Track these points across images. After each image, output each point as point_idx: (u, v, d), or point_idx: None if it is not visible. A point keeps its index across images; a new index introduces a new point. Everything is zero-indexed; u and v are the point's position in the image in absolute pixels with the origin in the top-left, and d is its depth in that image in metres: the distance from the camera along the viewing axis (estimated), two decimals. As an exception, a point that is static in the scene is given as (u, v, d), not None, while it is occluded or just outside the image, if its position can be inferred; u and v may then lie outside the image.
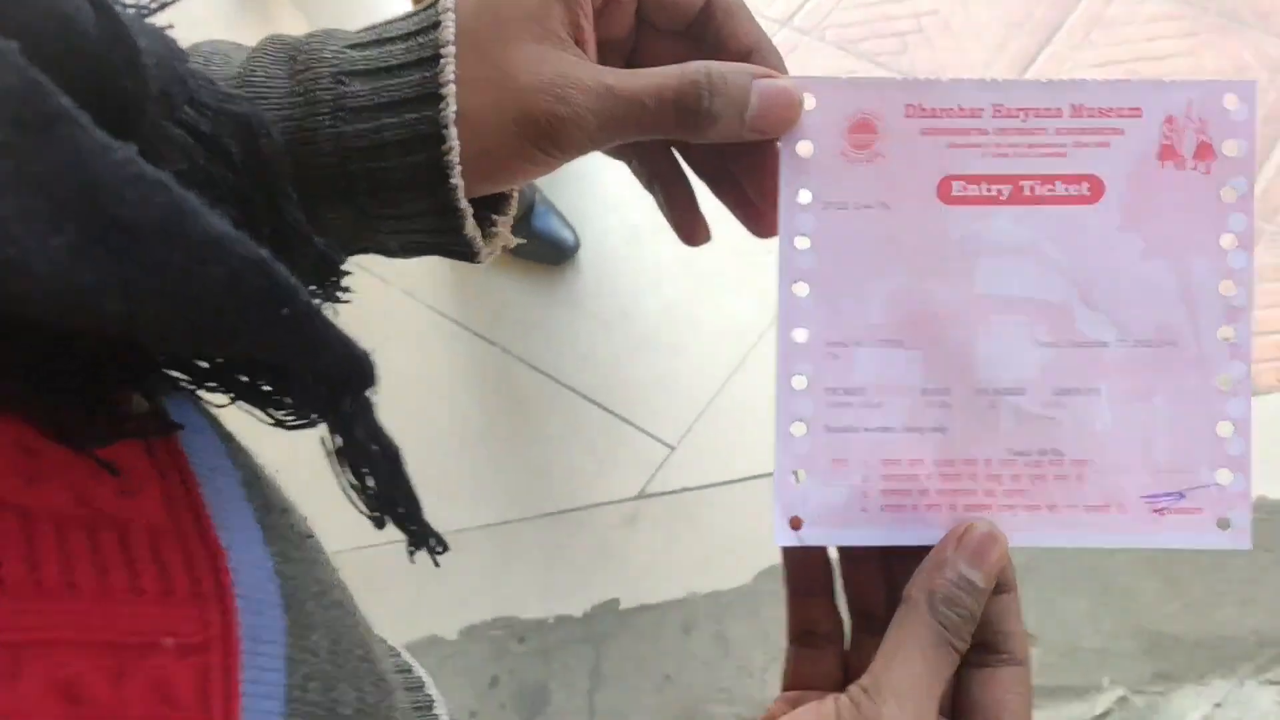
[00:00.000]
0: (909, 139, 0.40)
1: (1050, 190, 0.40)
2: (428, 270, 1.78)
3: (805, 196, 0.40)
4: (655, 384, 1.69)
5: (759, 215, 0.42)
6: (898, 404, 0.40)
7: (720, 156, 0.42)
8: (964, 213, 0.40)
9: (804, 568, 0.43)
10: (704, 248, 0.45)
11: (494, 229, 0.40)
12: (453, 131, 0.35)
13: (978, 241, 0.40)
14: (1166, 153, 0.40)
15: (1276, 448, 1.46)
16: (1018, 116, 0.40)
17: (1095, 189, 0.40)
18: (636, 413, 1.65)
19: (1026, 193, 0.40)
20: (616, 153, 0.42)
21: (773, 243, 0.41)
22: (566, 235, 1.84)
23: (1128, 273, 0.40)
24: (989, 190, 0.40)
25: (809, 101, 0.40)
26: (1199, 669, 1.34)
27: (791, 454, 0.40)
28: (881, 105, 0.40)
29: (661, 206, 0.44)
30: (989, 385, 0.40)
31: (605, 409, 1.62)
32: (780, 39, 1.97)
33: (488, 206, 0.40)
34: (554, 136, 0.36)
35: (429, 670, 0.43)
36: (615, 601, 1.49)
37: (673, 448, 1.62)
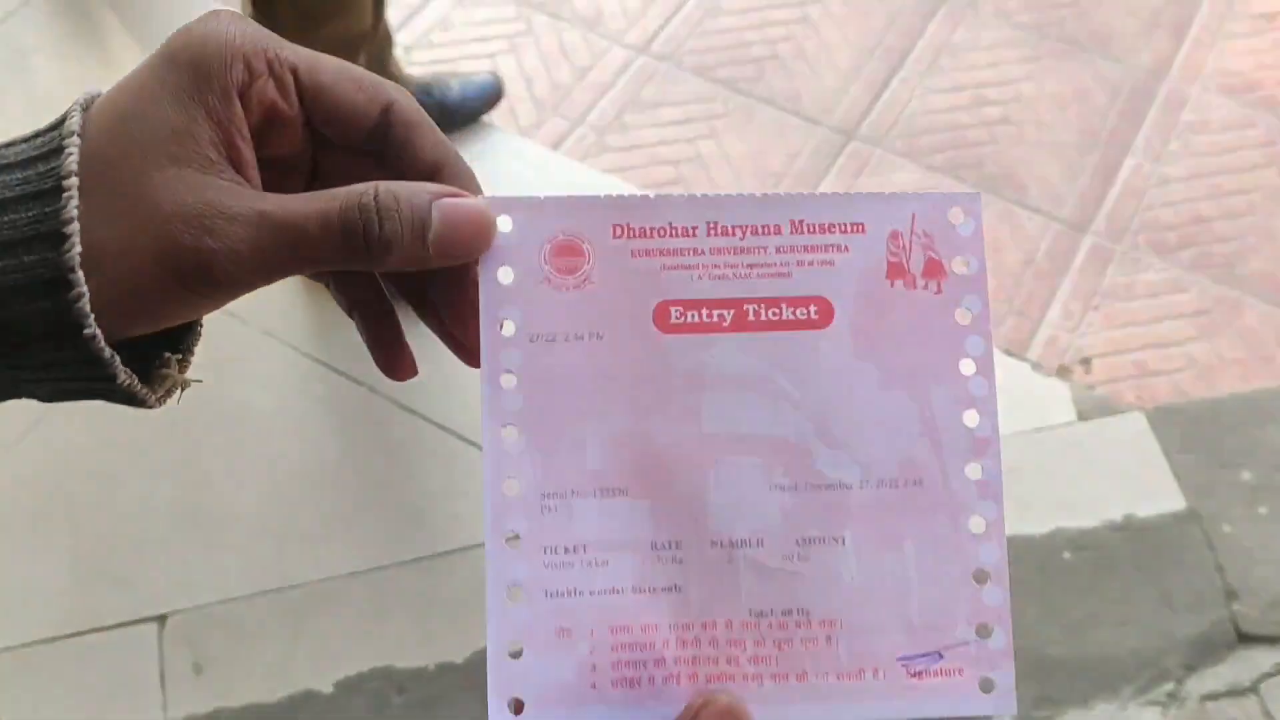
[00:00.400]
0: (619, 261, 0.37)
1: (776, 314, 0.37)
2: (288, 307, 1.69)
3: (509, 329, 0.36)
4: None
5: (466, 347, 0.38)
6: (625, 562, 0.36)
7: (421, 282, 0.38)
8: (684, 342, 0.36)
9: None
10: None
11: (163, 370, 0.35)
12: (79, 275, 0.30)
13: (702, 373, 0.36)
14: (894, 270, 0.37)
15: (1137, 467, 1.46)
16: (734, 234, 0.37)
17: (824, 312, 0.37)
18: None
19: (751, 317, 0.37)
20: (312, 277, 0.38)
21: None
22: None
23: (866, 405, 0.37)
24: (710, 316, 0.37)
25: (504, 223, 0.36)
26: (1082, 692, 1.30)
27: (507, 626, 0.35)
28: (585, 225, 0.37)
29: (362, 335, 0.39)
30: (724, 536, 0.36)
31: (480, 449, 1.52)
32: (639, 65, 1.95)
33: (165, 339, 0.35)
34: (204, 273, 0.32)
35: None
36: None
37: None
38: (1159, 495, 1.48)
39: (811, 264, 0.37)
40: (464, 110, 1.80)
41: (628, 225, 0.37)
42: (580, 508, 0.36)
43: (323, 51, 0.35)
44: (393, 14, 1.75)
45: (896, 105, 1.92)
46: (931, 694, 0.36)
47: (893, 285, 0.37)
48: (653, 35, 2.01)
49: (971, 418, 0.37)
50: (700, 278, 0.37)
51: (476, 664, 1.40)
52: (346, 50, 1.39)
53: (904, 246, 0.38)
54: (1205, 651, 1.37)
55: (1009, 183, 1.82)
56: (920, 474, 0.37)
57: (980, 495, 0.37)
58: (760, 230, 0.37)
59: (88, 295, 0.30)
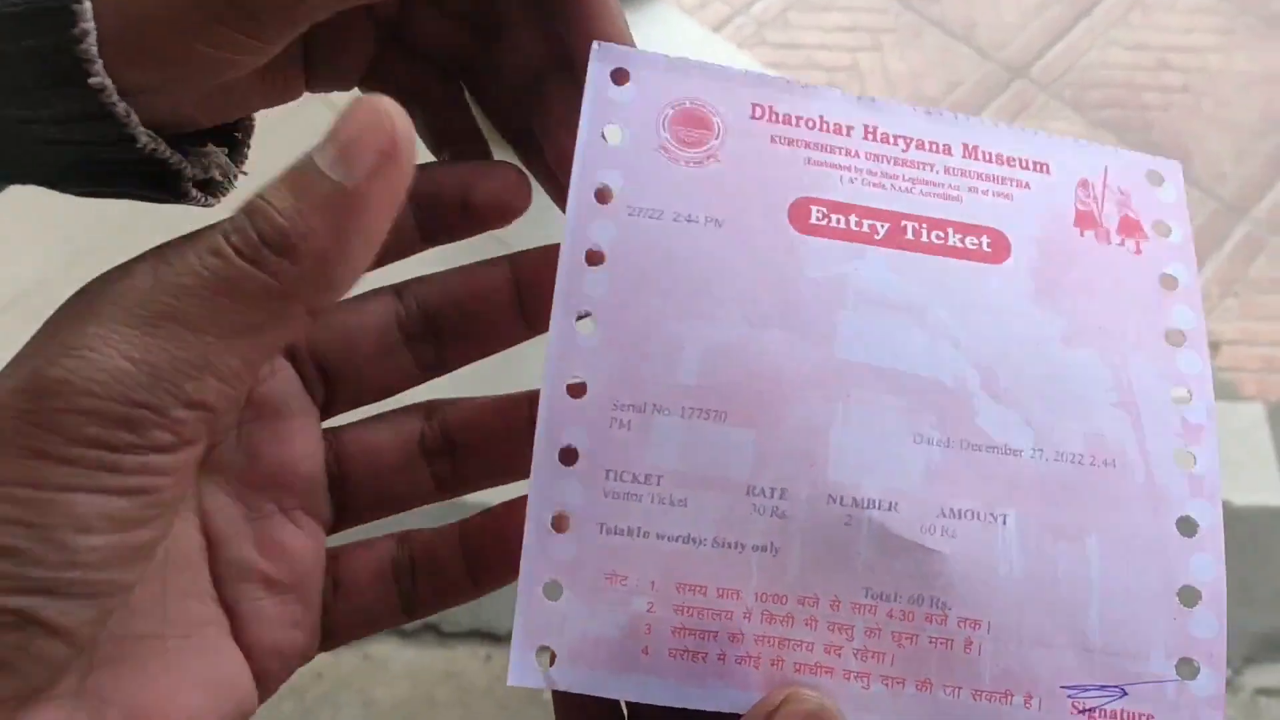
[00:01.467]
0: (754, 144, 0.30)
1: (941, 238, 0.29)
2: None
3: (608, 195, 0.29)
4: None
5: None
6: (710, 504, 0.27)
7: (524, 116, 0.32)
8: (826, 247, 0.29)
9: (578, 707, 0.29)
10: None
11: (203, 150, 0.29)
12: (87, 7, 0.25)
13: (842, 287, 0.29)
14: (1084, 219, 0.30)
15: (1245, 456, 1.31)
16: (895, 144, 0.30)
17: (999, 246, 0.29)
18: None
19: (909, 235, 0.29)
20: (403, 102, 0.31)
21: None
22: None
23: (1046, 359, 0.28)
24: (859, 225, 0.29)
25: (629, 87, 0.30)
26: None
27: (546, 558, 0.27)
28: (720, 97, 0.30)
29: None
30: (846, 491, 0.27)
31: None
32: None
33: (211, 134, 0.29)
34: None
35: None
36: None
37: None
38: (1261, 488, 1.41)
39: (985, 193, 0.30)
40: None
41: (771, 108, 0.30)
42: (661, 428, 0.28)
43: None
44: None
45: (1074, 53, 1.83)
46: None
47: (1082, 235, 0.30)
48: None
49: (1181, 397, 0.28)
50: (852, 180, 0.29)
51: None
52: None
53: (1095, 197, 0.30)
54: (1269, 648, 1.26)
55: (1175, 151, 1.67)
56: (1113, 454, 0.28)
57: (1193, 492, 0.28)
58: (927, 146, 0.30)
59: (94, 33, 0.25)
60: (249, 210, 0.23)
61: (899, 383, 0.28)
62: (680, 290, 0.29)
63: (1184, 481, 0.28)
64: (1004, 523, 0.27)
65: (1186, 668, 0.27)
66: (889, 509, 0.27)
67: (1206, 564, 0.27)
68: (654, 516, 0.27)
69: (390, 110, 0.23)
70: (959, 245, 0.29)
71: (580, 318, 0.28)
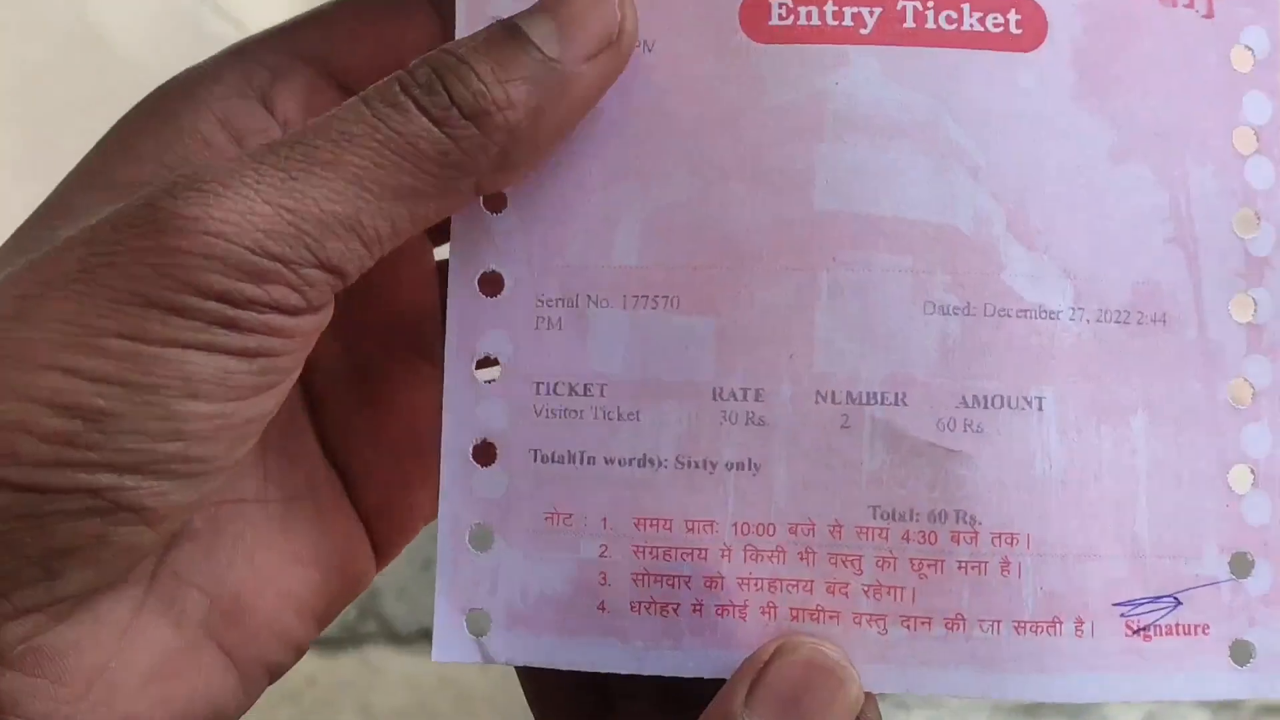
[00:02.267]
0: None
1: (952, 20, 0.22)
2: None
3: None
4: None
5: None
6: (669, 415, 0.22)
7: None
8: (793, 57, 0.22)
9: (553, 694, 0.24)
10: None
11: None
12: None
13: (819, 112, 0.22)
14: None
15: None
16: None
17: (1031, 25, 0.22)
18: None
19: (909, 21, 0.22)
20: None
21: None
22: None
23: (1090, 183, 0.22)
24: (838, 16, 0.22)
25: None
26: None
27: (469, 499, 0.22)
28: None
29: None
30: (839, 385, 0.21)
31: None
32: None
33: None
34: None
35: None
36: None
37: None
38: None
39: None
40: None
41: None
42: (600, 324, 0.22)
43: None
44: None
45: None
46: (1162, 665, 0.21)
47: None
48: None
49: (1247, 221, 0.22)
50: None
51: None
52: None
53: None
54: None
55: None
56: (1165, 306, 0.22)
57: (1250, 347, 0.22)
58: None
59: None
60: (438, 66, 0.20)
61: (901, 234, 0.21)
62: (608, 144, 0.22)
63: (1242, 335, 0.22)
64: (1039, 407, 0.21)
65: (1241, 564, 0.22)
66: (896, 402, 0.21)
67: (1260, 436, 0.22)
68: (600, 436, 0.22)
69: None
70: (977, 29, 0.22)
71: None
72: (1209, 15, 0.22)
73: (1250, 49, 0.22)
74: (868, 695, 0.21)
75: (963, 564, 0.21)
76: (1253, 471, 0.22)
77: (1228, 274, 0.22)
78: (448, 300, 0.22)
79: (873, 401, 0.21)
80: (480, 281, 0.22)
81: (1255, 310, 0.22)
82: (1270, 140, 0.22)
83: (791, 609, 0.21)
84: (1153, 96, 0.22)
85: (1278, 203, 0.22)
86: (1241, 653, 0.22)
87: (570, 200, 0.22)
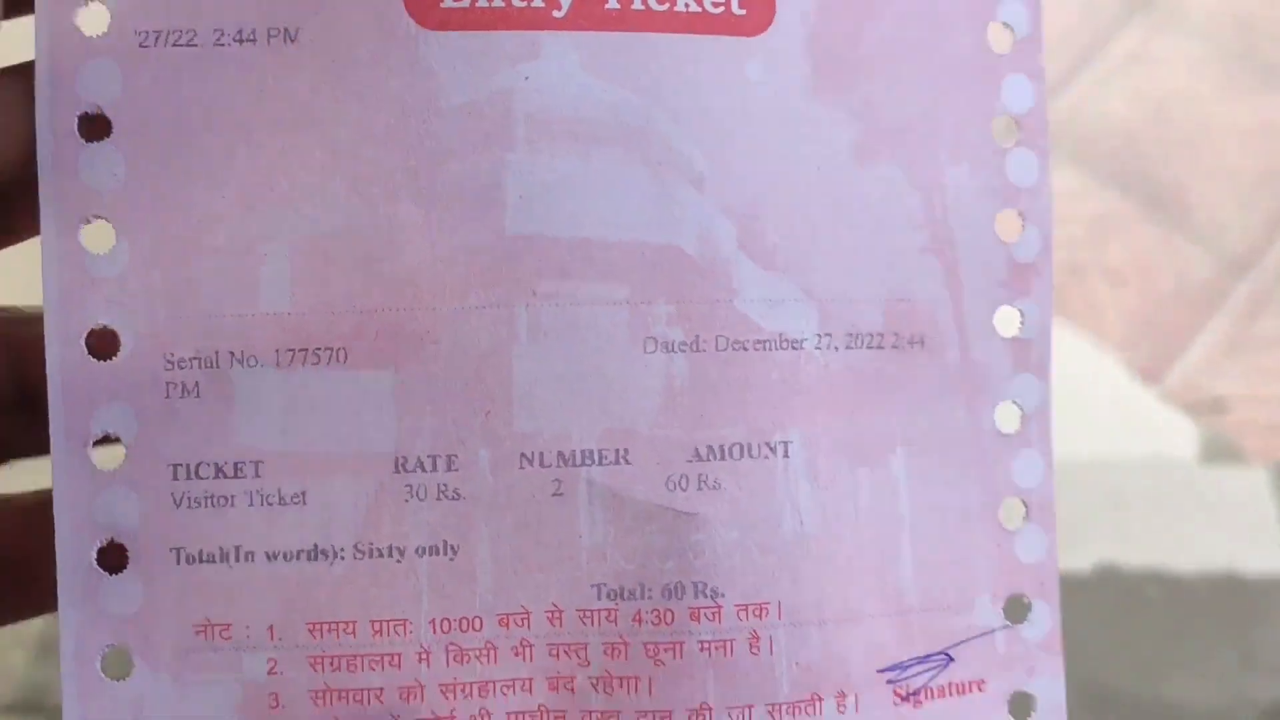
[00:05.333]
0: None
1: (665, 1, 0.18)
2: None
3: (93, 18, 0.17)
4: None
5: None
6: (343, 493, 0.18)
7: None
8: (472, 48, 0.18)
9: None
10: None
11: None
12: None
13: (507, 114, 0.18)
14: None
15: (1248, 520, 1.36)
16: None
17: (757, 6, 0.18)
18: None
19: (611, 4, 0.18)
20: None
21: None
22: None
23: (831, 188, 0.19)
24: None
25: None
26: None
27: (97, 613, 0.17)
28: None
29: None
30: (547, 445, 0.18)
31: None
32: None
33: None
34: None
35: None
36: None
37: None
38: (1265, 554, 1.41)
39: None
40: None
41: None
42: (249, 387, 0.17)
43: None
44: None
45: (1073, 105, 1.72)
46: None
47: None
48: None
49: (1010, 224, 0.19)
50: None
51: None
52: None
53: None
54: (1275, 718, 1.32)
55: (1176, 204, 1.63)
56: (922, 325, 0.19)
57: (1016, 365, 0.19)
58: None
59: None
60: None
61: (613, 260, 0.18)
62: (246, 159, 0.17)
63: (1006, 353, 0.19)
64: (785, 453, 0.18)
65: (1016, 608, 0.20)
66: (616, 461, 0.18)
67: (1032, 464, 0.20)
68: (259, 526, 0.17)
69: None
70: (694, 10, 0.18)
71: (87, 222, 0.17)
72: None
73: (1009, 26, 0.20)
74: None
75: (705, 644, 0.18)
76: (1025, 504, 0.20)
77: (990, 285, 0.20)
78: (47, 367, 0.17)
79: (588, 462, 0.18)
80: (89, 340, 0.17)
81: (1022, 323, 0.20)
82: (1034, 130, 0.20)
83: (509, 714, 0.18)
84: (900, 85, 0.19)
85: (1043, 201, 0.20)
86: (1021, 707, 0.20)
87: (200, 232, 0.17)
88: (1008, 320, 0.20)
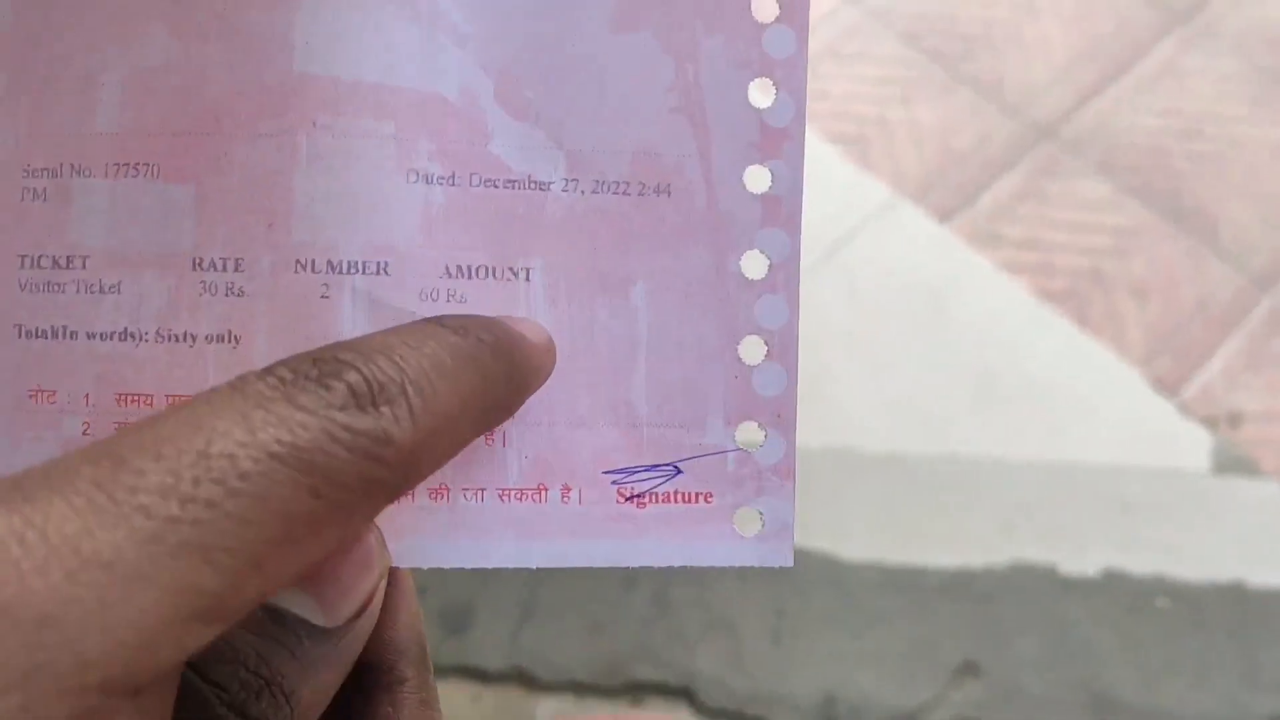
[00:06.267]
0: None
1: None
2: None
3: None
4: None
5: None
6: (150, 287, 0.21)
7: None
8: None
9: None
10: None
11: None
12: None
13: None
14: None
15: (1260, 535, 1.32)
16: None
17: None
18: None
19: None
20: None
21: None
22: None
23: (586, 54, 0.21)
24: None
25: None
26: (1138, 738, 1.19)
27: None
28: None
29: None
30: (318, 254, 0.21)
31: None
32: (843, 18, 1.75)
33: None
34: None
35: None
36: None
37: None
38: (1274, 568, 1.34)
39: None
40: None
41: None
42: (84, 195, 0.21)
43: None
44: None
45: (1103, 115, 1.69)
46: (657, 531, 0.22)
47: None
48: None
49: (763, 91, 0.22)
50: None
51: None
52: None
53: None
54: None
55: (1202, 220, 1.59)
56: (668, 176, 0.21)
57: (765, 219, 0.22)
58: None
59: None
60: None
61: (384, 100, 0.21)
62: (88, 4, 0.21)
63: (756, 207, 0.22)
64: (527, 278, 0.21)
65: (749, 433, 0.22)
66: (377, 272, 0.21)
67: (775, 307, 0.22)
68: (82, 309, 0.21)
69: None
70: None
71: None
72: None
73: None
74: None
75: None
76: (766, 343, 0.22)
77: (741, 145, 0.22)
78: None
79: (353, 271, 0.21)
80: None
81: (772, 182, 0.22)
82: (794, 7, 0.22)
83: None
84: None
85: (798, 73, 0.22)
86: (748, 521, 0.22)
87: (57, 65, 0.21)
88: (758, 178, 0.22)
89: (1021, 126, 1.69)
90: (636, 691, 1.07)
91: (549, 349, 0.20)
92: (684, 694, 1.06)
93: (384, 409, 0.16)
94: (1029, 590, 1.16)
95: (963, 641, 1.12)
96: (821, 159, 1.50)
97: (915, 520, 1.20)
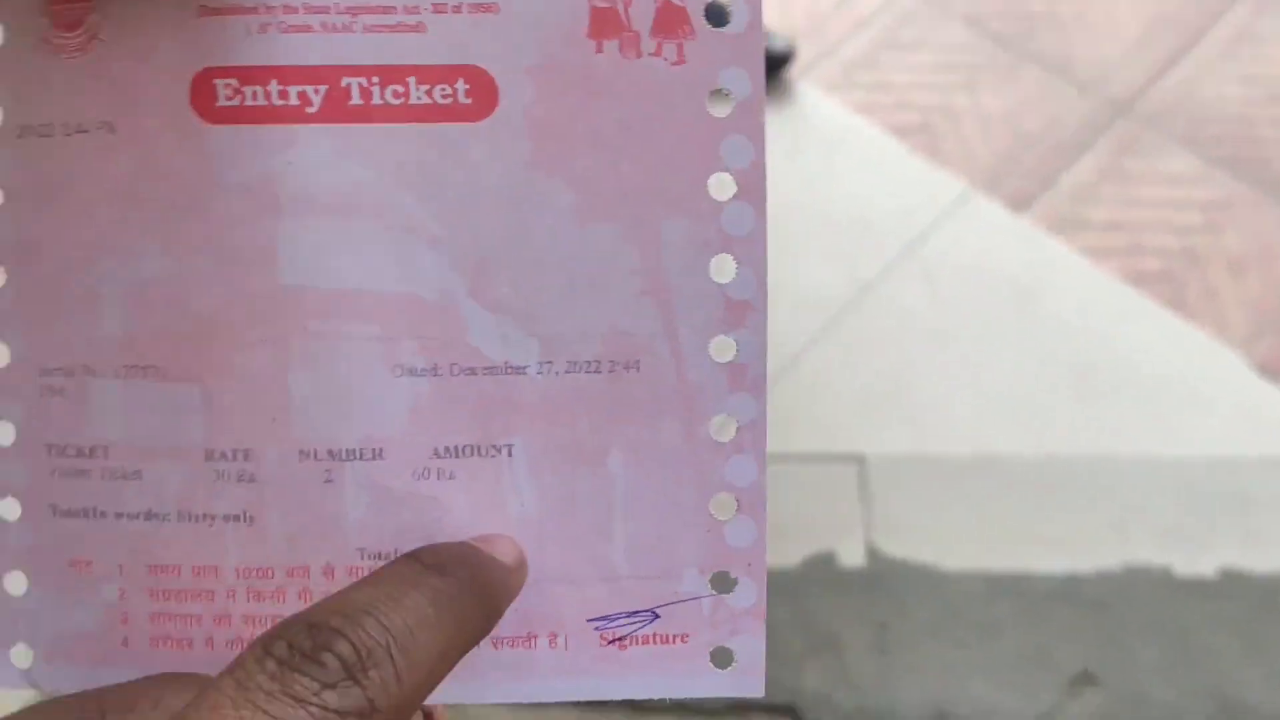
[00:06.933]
0: (151, 12, 0.23)
1: (399, 95, 0.23)
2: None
3: None
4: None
5: None
6: (167, 474, 0.23)
7: None
8: (242, 138, 0.23)
9: None
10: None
11: None
12: None
13: (274, 191, 0.23)
14: (602, 23, 0.22)
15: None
16: None
17: (481, 91, 0.23)
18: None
19: (355, 99, 0.23)
20: None
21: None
22: None
23: (553, 246, 0.23)
24: (283, 95, 0.23)
25: None
26: (1268, 742, 1.14)
27: (2, 548, 0.24)
28: None
29: None
30: (319, 443, 0.23)
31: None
32: (900, 6, 1.71)
33: None
34: None
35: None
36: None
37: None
38: None
39: (459, 8, 0.23)
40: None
41: None
42: (98, 393, 0.23)
43: None
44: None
45: (1181, 87, 1.60)
46: (639, 669, 0.24)
47: (600, 49, 0.22)
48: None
49: (724, 267, 0.23)
50: (266, 30, 0.23)
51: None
52: None
53: None
54: None
55: None
56: (638, 353, 0.23)
57: (731, 385, 0.23)
58: None
59: None
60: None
61: (366, 305, 0.23)
62: (91, 222, 0.23)
63: (722, 375, 0.23)
64: (508, 454, 0.23)
65: (723, 581, 0.24)
66: (374, 457, 0.23)
67: (745, 466, 0.24)
68: (108, 493, 0.23)
69: None
70: (425, 102, 0.22)
71: None
72: (679, 62, 0.22)
73: (728, 92, 0.23)
74: None
75: (441, 596, 0.23)
76: (737, 500, 0.24)
77: (705, 320, 0.23)
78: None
79: (352, 458, 0.23)
80: None
81: (737, 351, 0.23)
82: (751, 184, 0.23)
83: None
84: (620, 155, 0.23)
85: (759, 247, 0.23)
86: (722, 657, 0.24)
87: (62, 274, 0.23)
88: (723, 348, 0.23)
89: (1095, 104, 1.61)
90: (743, 712, 1.07)
91: (520, 566, 0.23)
92: (789, 712, 1.05)
93: (372, 673, 0.18)
94: (1144, 594, 1.11)
95: (1077, 649, 1.07)
96: (887, 152, 1.43)
97: (1018, 525, 1.14)
